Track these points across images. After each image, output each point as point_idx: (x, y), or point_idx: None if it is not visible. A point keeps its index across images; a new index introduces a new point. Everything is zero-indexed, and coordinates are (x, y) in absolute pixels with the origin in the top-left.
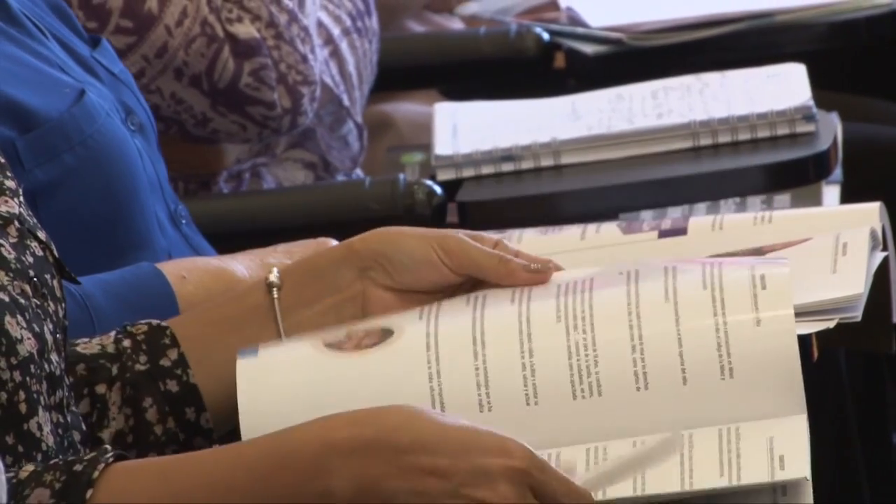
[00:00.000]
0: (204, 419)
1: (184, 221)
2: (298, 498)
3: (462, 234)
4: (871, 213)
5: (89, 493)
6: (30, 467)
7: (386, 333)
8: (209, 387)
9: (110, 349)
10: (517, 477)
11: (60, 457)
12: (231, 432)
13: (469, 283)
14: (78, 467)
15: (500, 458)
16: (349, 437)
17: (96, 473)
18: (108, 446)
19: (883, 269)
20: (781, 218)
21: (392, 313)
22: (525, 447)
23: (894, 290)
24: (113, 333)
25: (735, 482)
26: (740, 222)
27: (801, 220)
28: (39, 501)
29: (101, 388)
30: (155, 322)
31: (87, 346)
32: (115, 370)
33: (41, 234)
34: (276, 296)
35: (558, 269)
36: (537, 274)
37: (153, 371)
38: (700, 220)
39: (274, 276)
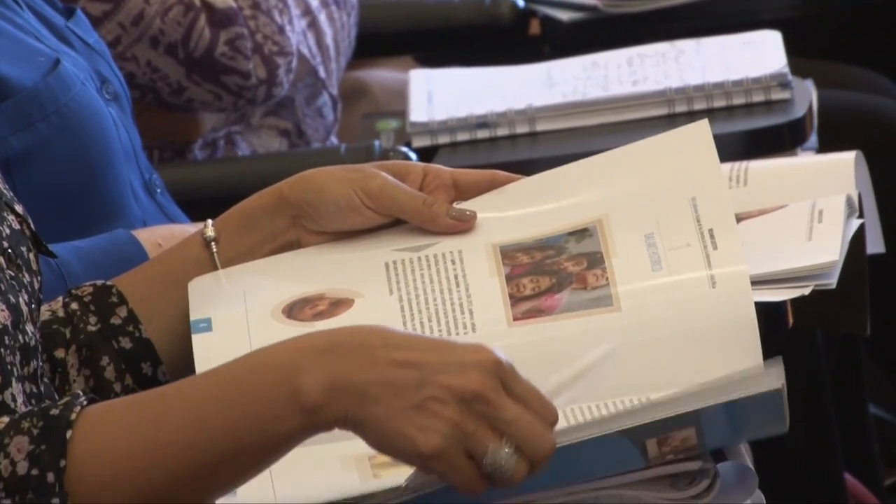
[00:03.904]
0: (161, 372)
1: (158, 191)
2: (271, 401)
3: (386, 174)
4: (846, 162)
5: (69, 433)
6: (5, 419)
7: (346, 304)
8: (162, 341)
9: (60, 314)
10: (489, 367)
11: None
12: None
13: (398, 220)
14: (54, 411)
15: (472, 353)
16: (319, 340)
17: (73, 415)
18: (80, 392)
19: (858, 247)
20: (757, 175)
21: (360, 275)
22: (497, 350)
23: (869, 238)
24: (60, 299)
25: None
26: None
27: (777, 176)
28: (19, 449)
29: (59, 353)
30: (99, 282)
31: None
32: (68, 333)
33: (18, 208)
34: (214, 250)
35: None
36: (459, 222)
37: (105, 330)
38: None
39: (210, 231)
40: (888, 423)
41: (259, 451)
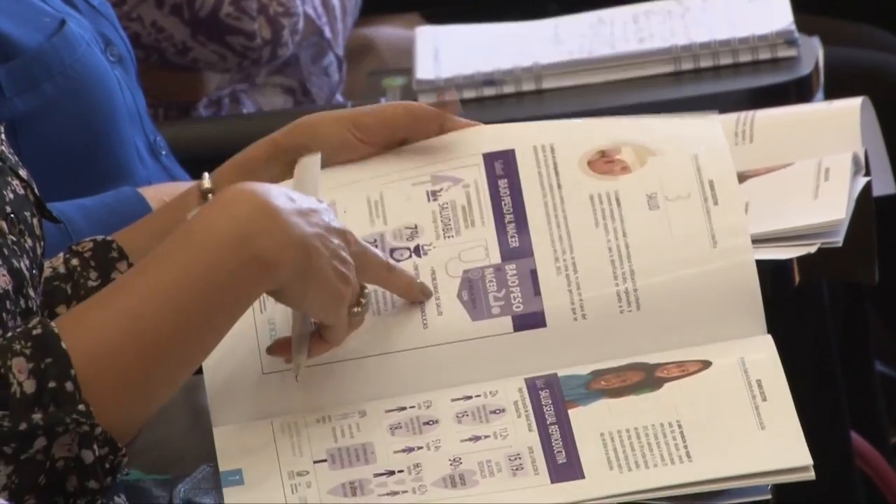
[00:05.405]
0: None
1: (163, 153)
2: (239, 271)
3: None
4: (852, 110)
5: (63, 344)
6: None
7: None
8: None
9: (61, 270)
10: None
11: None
12: None
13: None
14: (37, 331)
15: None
16: (243, 204)
17: (55, 328)
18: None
19: (866, 204)
20: (763, 128)
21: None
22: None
23: (880, 180)
24: (61, 255)
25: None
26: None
27: (783, 129)
28: (20, 370)
29: (60, 309)
30: (100, 238)
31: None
32: (69, 289)
33: (23, 173)
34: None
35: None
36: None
37: (105, 285)
38: None
39: (207, 182)
40: (895, 381)
41: (233, 315)
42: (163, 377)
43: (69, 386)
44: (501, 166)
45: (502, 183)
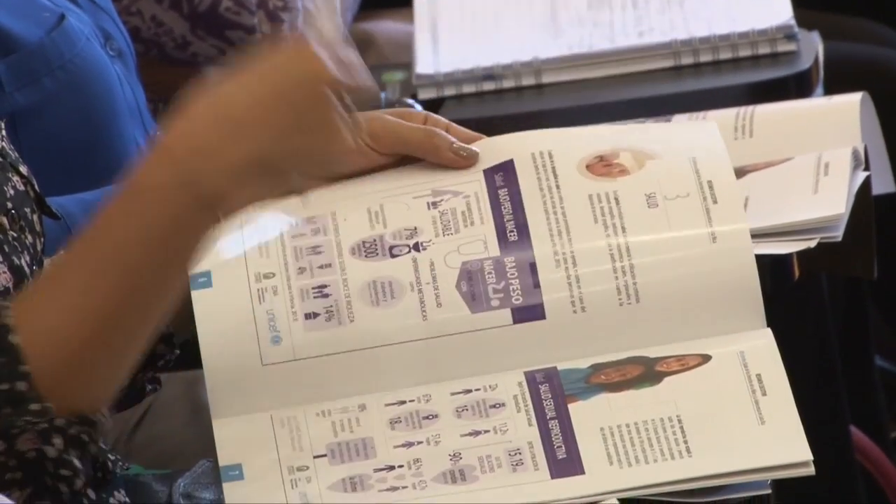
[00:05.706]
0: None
1: None
2: (188, 217)
3: (386, 114)
4: (852, 105)
5: (16, 339)
6: None
7: None
8: None
9: None
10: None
11: None
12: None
13: (399, 160)
14: None
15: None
16: (181, 143)
17: (10, 319)
18: None
19: (866, 199)
20: (763, 124)
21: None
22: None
23: (879, 179)
24: (62, 253)
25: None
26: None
27: (783, 124)
28: None
29: None
30: None
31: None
32: None
33: (23, 169)
34: None
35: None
36: (461, 158)
37: None
38: None
39: None
40: (895, 376)
41: (186, 259)
42: (124, 344)
43: (21, 385)
44: (501, 178)
45: (502, 192)
